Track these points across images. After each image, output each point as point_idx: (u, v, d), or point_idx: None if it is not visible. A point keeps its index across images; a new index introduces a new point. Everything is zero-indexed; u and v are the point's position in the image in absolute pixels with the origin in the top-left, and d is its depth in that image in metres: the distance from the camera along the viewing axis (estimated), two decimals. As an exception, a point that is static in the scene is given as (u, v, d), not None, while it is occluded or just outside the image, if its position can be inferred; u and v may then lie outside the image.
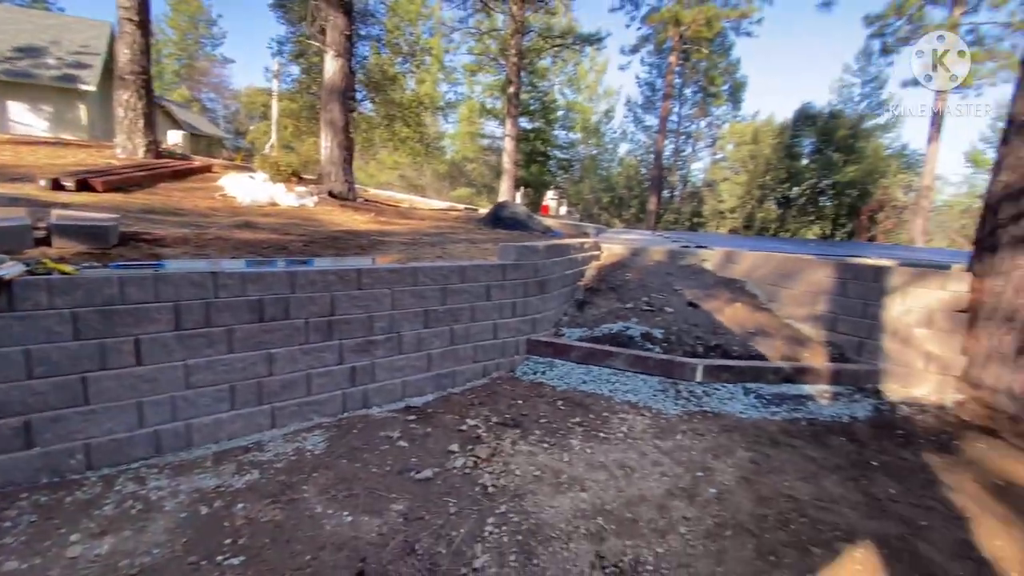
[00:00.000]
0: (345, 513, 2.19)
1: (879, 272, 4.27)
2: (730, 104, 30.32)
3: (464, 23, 22.03)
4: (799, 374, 3.98)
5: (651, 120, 32.28)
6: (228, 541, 1.96)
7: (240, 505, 2.20)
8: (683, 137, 32.75)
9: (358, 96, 22.01)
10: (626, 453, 2.89)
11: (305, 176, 12.64)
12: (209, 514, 2.13)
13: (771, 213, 26.45)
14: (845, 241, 22.76)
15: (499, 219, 10.41)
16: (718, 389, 3.82)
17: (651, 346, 4.22)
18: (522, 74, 31.49)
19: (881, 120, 25.61)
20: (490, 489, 2.45)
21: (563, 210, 19.20)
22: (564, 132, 37.50)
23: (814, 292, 4.72)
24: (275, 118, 21.53)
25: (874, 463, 2.92)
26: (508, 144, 19.05)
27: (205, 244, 4.07)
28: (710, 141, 31.41)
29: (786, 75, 59.82)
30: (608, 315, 4.80)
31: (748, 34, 23.57)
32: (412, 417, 3.23)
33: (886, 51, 20.19)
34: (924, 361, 3.96)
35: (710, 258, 6.45)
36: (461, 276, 3.86)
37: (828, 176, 24.18)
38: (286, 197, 8.03)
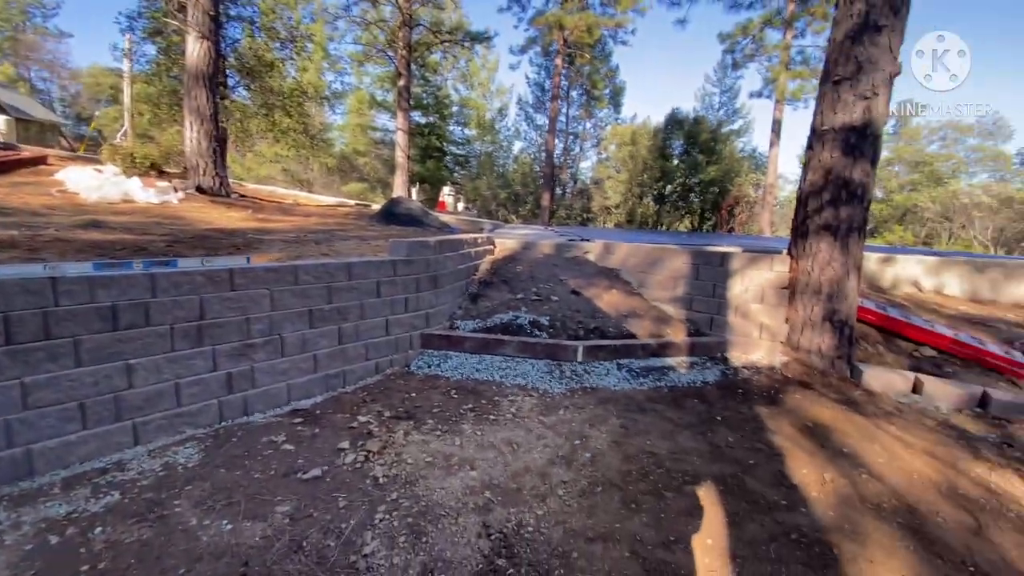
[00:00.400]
0: (224, 522, 2.11)
1: (724, 258, 5.00)
2: (611, 107, 32.57)
3: (348, 11, 21.06)
4: (663, 349, 4.53)
5: (542, 119, 33.55)
6: (85, 568, 1.80)
7: (99, 529, 2.01)
8: (571, 137, 34.51)
9: (230, 82, 20.05)
10: (514, 431, 3.10)
11: (168, 170, 11.29)
12: (61, 543, 1.92)
13: (650, 208, 29.00)
14: (710, 232, 25.75)
15: (393, 215, 10.24)
16: (596, 367, 4.21)
17: (539, 332, 4.51)
18: (413, 68, 30.87)
19: (736, 126, 29.27)
20: (381, 480, 2.50)
21: (460, 206, 19.29)
22: (459, 128, 37.50)
23: (675, 277, 5.37)
24: (128, 103, 18.79)
25: (718, 418, 3.46)
26: (400, 138, 18.65)
27: (40, 247, 3.55)
28: (595, 141, 33.50)
29: (660, 82, 65.74)
30: (500, 306, 5.02)
31: (624, 43, 25.53)
32: (299, 420, 3.14)
33: (736, 66, 23.18)
34: (759, 331, 4.73)
35: (592, 250, 6.99)
36: (348, 273, 3.81)
37: (695, 175, 27.08)
38: (144, 193, 7.17)
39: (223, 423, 3.10)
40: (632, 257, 6.00)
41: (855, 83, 4.16)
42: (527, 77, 39.69)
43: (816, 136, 4.46)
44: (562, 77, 28.15)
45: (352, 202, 14.24)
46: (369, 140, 34.14)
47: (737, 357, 4.69)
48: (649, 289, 5.63)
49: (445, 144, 36.19)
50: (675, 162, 27.67)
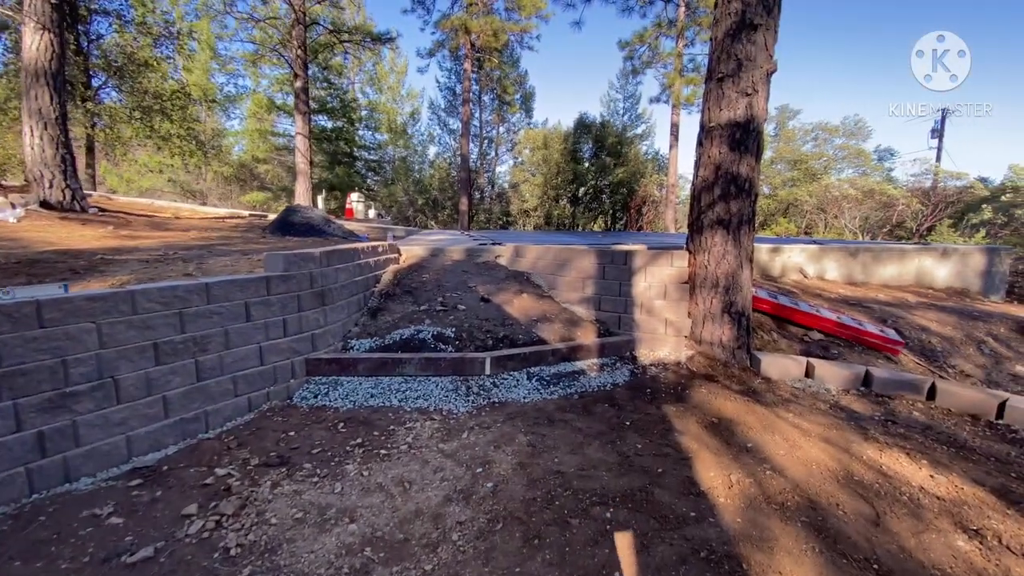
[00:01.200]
0: (-11, 649, 1.55)
1: (627, 256, 4.98)
2: (523, 112, 33.02)
3: (235, 6, 19.36)
4: (573, 352, 4.38)
5: (455, 124, 33.23)
6: None
7: None
8: (487, 141, 34.53)
9: (96, 83, 17.63)
10: (408, 467, 2.74)
11: (6, 182, 9.54)
12: None
13: (566, 210, 29.73)
14: (621, 231, 26.87)
15: (289, 225, 9.40)
16: (506, 378, 3.96)
17: (443, 346, 4.18)
18: (314, 69, 29.20)
19: (639, 130, 30.84)
20: (233, 551, 2.03)
21: (372, 213, 18.40)
22: (370, 133, 36.13)
23: (584, 278, 5.28)
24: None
25: (627, 423, 3.33)
26: (300, 142, 17.39)
27: None
28: (510, 145, 33.76)
29: (569, 88, 68.12)
30: (402, 320, 4.62)
31: (531, 48, 25.94)
32: (138, 481, 2.55)
33: (635, 72, 24.40)
34: (664, 327, 4.75)
35: (503, 254, 6.77)
36: (206, 296, 3.23)
37: (604, 177, 28.15)
38: (-43, 210, 5.89)
39: (34, 496, 2.44)
40: (542, 259, 5.85)
41: (736, 80, 4.29)
42: (437, 81, 39.15)
43: (705, 133, 4.55)
44: (472, 81, 28.06)
45: (246, 213, 12.98)
46: (270, 146, 31.81)
47: (645, 355, 4.66)
48: (559, 291, 5.50)
49: (355, 149, 34.68)
50: (586, 165, 28.58)
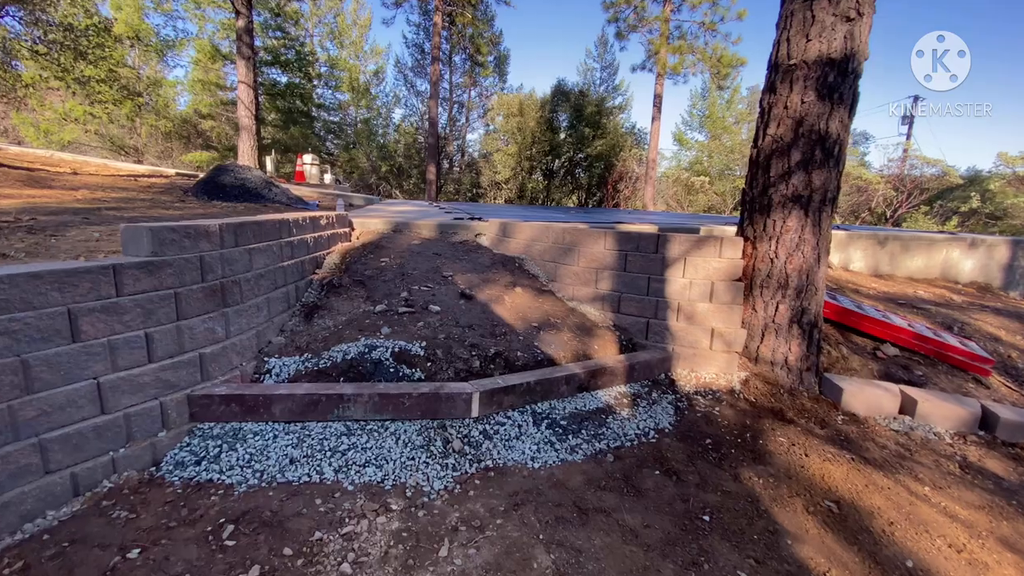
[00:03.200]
0: None
1: (659, 242, 3.71)
2: (497, 76, 30.91)
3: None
4: (594, 378, 3.12)
5: (424, 85, 30.83)
6: None
7: None
8: (457, 106, 32.31)
9: (-13, 7, 14.70)
10: (339, 648, 1.42)
11: None
12: None
13: (539, 184, 28.24)
14: (597, 208, 25.73)
15: (218, 188, 7.69)
16: (502, 423, 2.66)
17: (408, 371, 2.83)
18: (264, 14, 26.11)
19: (618, 101, 29.42)
20: None
21: (328, 178, 16.43)
22: (330, 92, 33.29)
23: (596, 268, 4.00)
24: None
25: (703, 515, 2.11)
26: (243, 92, 15.03)
27: None
28: (482, 111, 31.71)
29: (545, 55, 65.34)
30: (348, 326, 3.22)
31: (506, 3, 23.88)
32: None
33: (620, 36, 22.77)
34: (709, 338, 3.55)
35: (485, 232, 5.40)
36: (-30, 304, 1.76)
37: (582, 149, 26.76)
38: None
39: None
40: (539, 241, 4.52)
41: (836, -2, 3.01)
42: (405, 37, 36.37)
43: (781, 75, 3.27)
44: (443, 38, 25.79)
45: (172, 171, 10.96)
46: (216, 100, 28.64)
47: (686, 378, 3.46)
48: (563, 284, 4.21)
49: (313, 108, 31.92)
50: (563, 135, 27.06)
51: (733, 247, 3.59)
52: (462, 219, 6.03)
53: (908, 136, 27.44)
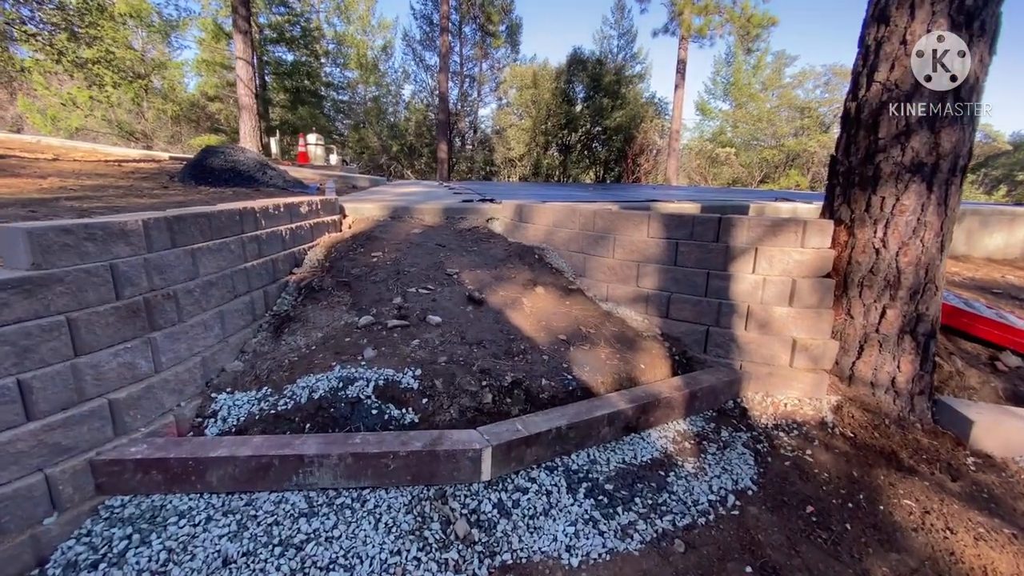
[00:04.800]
0: None
1: (721, 226, 2.89)
2: (509, 46, 29.47)
3: None
4: (644, 414, 2.37)
5: (433, 59, 29.59)
6: None
7: None
8: (468, 80, 31.04)
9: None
10: None
11: None
12: None
13: (554, 160, 27.07)
14: (617, 183, 24.55)
15: (206, 171, 7.03)
16: (525, 490, 1.94)
17: (397, 412, 2.12)
18: (267, -12, 25.15)
19: (637, 69, 27.83)
20: None
21: (334, 159, 15.69)
22: (338, 70, 32.40)
23: (637, 261, 3.21)
24: None
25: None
26: (242, 69, 14.22)
27: None
28: (494, 85, 30.40)
29: (558, 24, 62.74)
30: (324, 347, 2.52)
31: (519, -34, 22.44)
32: None
33: (640, -2, 21.22)
34: (789, 352, 2.76)
35: (498, 216, 4.62)
36: None
37: (600, 122, 25.43)
38: None
39: None
40: (563, 227, 3.73)
41: None
42: (412, 8, 34.99)
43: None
44: (451, 7, 24.52)
45: (166, 156, 10.33)
46: (222, 81, 27.94)
47: (760, 405, 2.69)
48: (595, 281, 3.43)
49: (321, 87, 31.09)
50: (579, 107, 25.74)
51: (820, 234, 2.75)
52: (472, 201, 5.25)
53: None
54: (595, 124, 26.10)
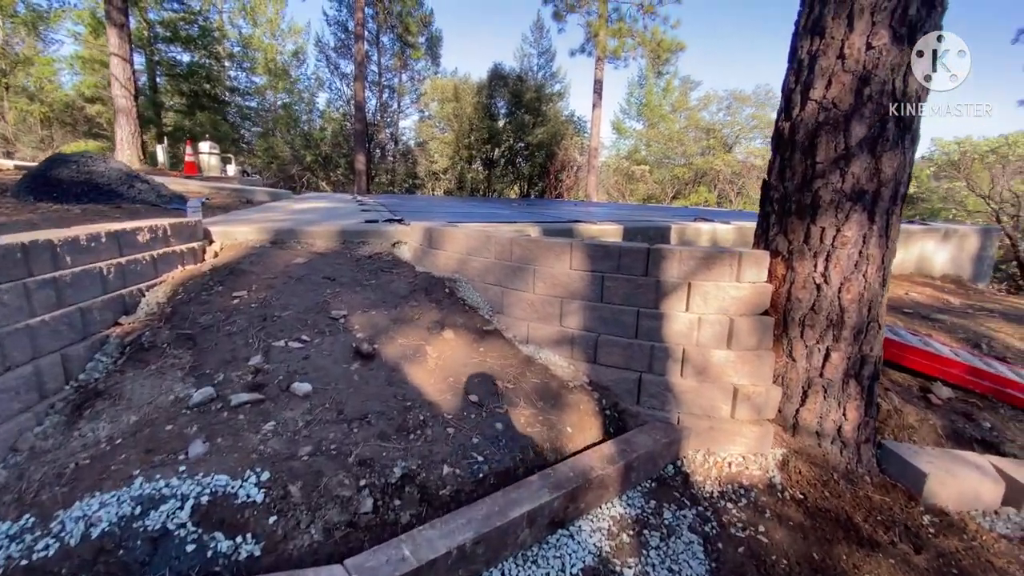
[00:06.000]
0: None
1: (650, 258, 2.53)
2: (429, 59, 28.95)
3: None
4: (573, 502, 1.89)
5: (349, 67, 28.27)
6: None
7: None
8: (388, 91, 30.00)
9: None
10: None
11: None
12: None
13: (479, 174, 26.79)
14: (540, 198, 24.70)
15: (51, 184, 5.84)
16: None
17: (227, 544, 1.46)
18: (155, -20, 22.83)
19: (556, 88, 28.41)
20: None
21: (232, 169, 14.13)
22: (244, 74, 30.08)
23: (559, 296, 2.78)
24: None
25: None
26: (117, 68, 12.43)
27: None
28: (415, 97, 29.67)
29: (480, 41, 63.13)
30: (130, 441, 1.79)
31: (437, -22, 22.08)
32: None
33: (557, 17, 21.63)
34: (731, 402, 2.42)
35: (407, 239, 4.04)
36: None
37: (522, 138, 25.56)
38: None
39: None
40: (477, 255, 3.22)
41: None
42: (325, 14, 33.42)
43: (834, 6, 2.14)
44: (367, 15, 23.61)
45: (10, 165, 8.57)
46: (104, 81, 24.73)
47: (703, 468, 2.32)
48: (514, 319, 2.95)
49: (223, 92, 28.66)
50: (502, 123, 25.71)
51: (756, 266, 2.47)
52: (376, 222, 4.61)
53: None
54: (518, 140, 26.18)
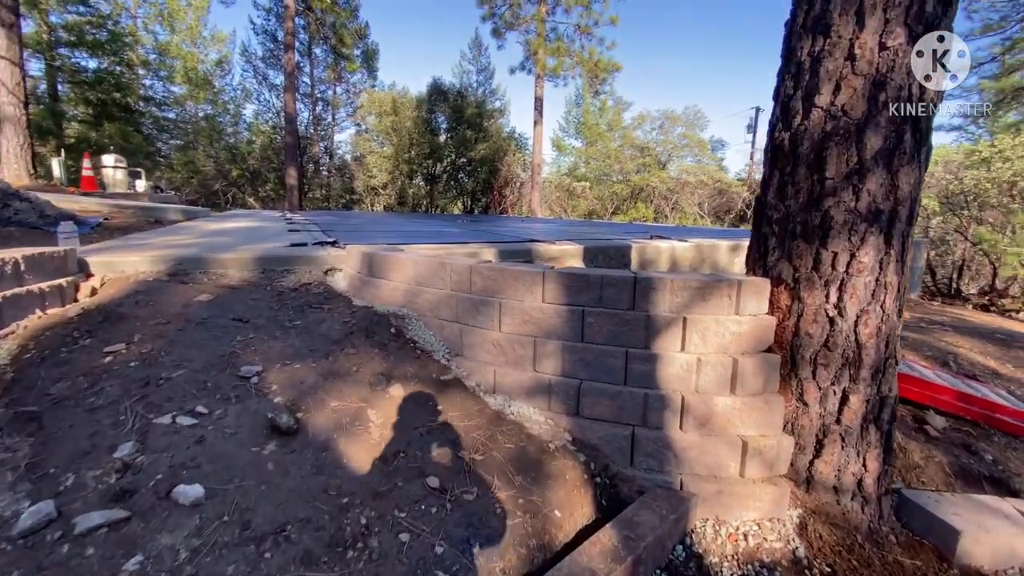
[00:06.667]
0: None
1: (638, 290, 2.15)
2: (365, 72, 28.10)
3: None
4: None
5: (278, 78, 26.78)
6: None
7: None
8: (322, 103, 28.70)
9: None
10: None
11: None
12: None
13: (421, 189, 26.12)
14: (484, 214, 24.39)
15: None
16: None
17: None
18: (48, -25, 20.59)
19: (497, 104, 28.44)
20: None
21: (141, 185, 12.61)
22: (161, 83, 27.77)
23: (532, 335, 2.33)
24: None
25: None
26: (5, 72, 10.77)
27: None
28: (351, 110, 28.60)
29: (418, 57, 62.66)
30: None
31: (373, -10, 21.47)
32: None
33: (496, 34, 21.61)
34: (739, 458, 2.06)
35: (343, 265, 3.45)
36: None
37: (465, 154, 25.25)
38: None
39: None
40: (430, 285, 2.71)
41: None
42: (252, 22, 31.61)
43: (837, 1, 1.88)
44: (298, 25, 22.50)
45: None
46: None
47: (715, 544, 1.92)
48: (477, 364, 2.46)
49: (137, 101, 26.27)
50: (443, 138, 25.27)
51: (756, 296, 2.15)
52: (305, 245, 3.97)
53: (752, 143, 30.68)
54: (460, 155, 25.86)
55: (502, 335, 2.40)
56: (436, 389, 2.25)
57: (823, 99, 1.93)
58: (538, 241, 4.92)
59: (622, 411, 2.14)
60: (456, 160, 26.09)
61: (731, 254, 5.55)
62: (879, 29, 1.81)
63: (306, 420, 1.86)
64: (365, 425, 1.92)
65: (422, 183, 26.50)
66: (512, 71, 22.84)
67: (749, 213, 24.97)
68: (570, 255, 4.53)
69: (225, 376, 2.04)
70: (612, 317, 2.18)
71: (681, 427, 2.09)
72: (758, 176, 25.84)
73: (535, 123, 22.81)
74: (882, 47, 1.81)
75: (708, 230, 10.22)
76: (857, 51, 1.84)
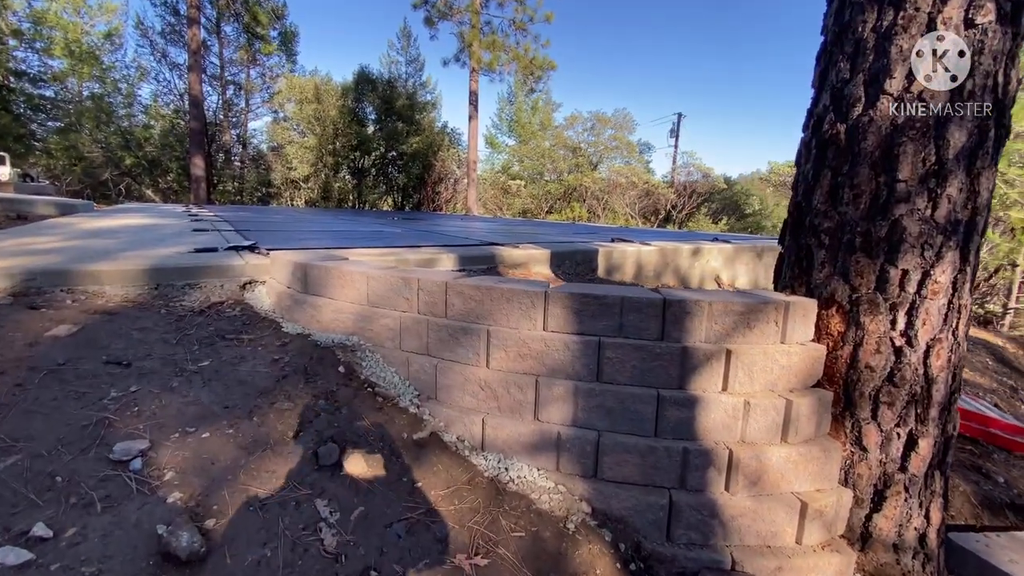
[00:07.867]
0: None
1: (669, 315, 1.71)
2: (283, 55, 25.91)
3: None
4: None
5: (181, 56, 23.90)
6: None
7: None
8: (233, 87, 26.05)
9: None
10: None
11: None
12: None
13: (347, 183, 24.57)
14: (417, 211, 23.39)
15: None
16: None
17: None
18: None
19: (429, 98, 27.42)
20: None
21: (6, 172, 10.41)
22: (36, 55, 23.92)
23: (532, 372, 1.81)
24: None
25: None
26: None
27: None
28: (267, 96, 26.25)
29: (344, 44, 59.26)
30: None
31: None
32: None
33: (429, 23, 20.66)
34: (796, 521, 1.68)
35: (267, 277, 2.72)
36: None
37: (395, 147, 24.07)
38: None
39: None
40: (389, 306, 2.10)
41: None
42: (149, -6, 28.11)
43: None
44: (203, -4, 20.23)
45: None
46: None
47: (788, 641, 1.53)
48: (458, 411, 1.89)
49: (3, 75, 22.58)
50: (372, 129, 23.87)
51: (804, 321, 1.79)
52: (214, 251, 3.16)
53: (675, 147, 32.24)
54: (390, 148, 24.60)
55: (492, 373, 1.86)
56: (410, 455, 1.67)
57: (895, 84, 1.59)
58: (498, 244, 4.40)
59: (655, 471, 1.68)
60: (386, 153, 24.81)
61: (692, 258, 5.38)
62: (965, 3, 1.49)
63: (220, 533, 1.22)
64: (314, 529, 1.30)
65: (348, 177, 24.94)
66: (445, 63, 22.02)
67: (675, 214, 26.03)
68: (537, 260, 4.06)
69: (88, 462, 1.33)
70: (638, 350, 1.72)
71: (727, 488, 1.67)
72: (682, 179, 27.07)
73: (470, 118, 22.19)
74: (969, 23, 1.50)
75: (664, 232, 10.21)
76: (940, 27, 1.51)
